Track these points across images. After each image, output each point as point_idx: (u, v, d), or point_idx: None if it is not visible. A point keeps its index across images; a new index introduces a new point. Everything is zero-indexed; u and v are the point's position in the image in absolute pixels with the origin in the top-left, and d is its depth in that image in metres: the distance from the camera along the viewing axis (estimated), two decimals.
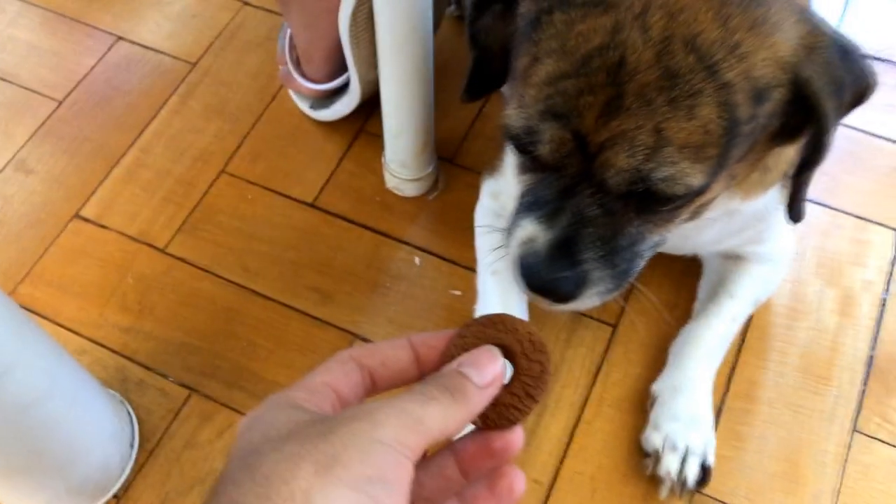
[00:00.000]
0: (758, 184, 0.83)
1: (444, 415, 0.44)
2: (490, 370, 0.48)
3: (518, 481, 0.49)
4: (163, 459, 1.04)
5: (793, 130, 0.68)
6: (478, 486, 0.50)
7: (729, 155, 0.63)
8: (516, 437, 0.50)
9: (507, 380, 0.51)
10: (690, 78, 0.58)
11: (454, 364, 0.48)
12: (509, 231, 0.69)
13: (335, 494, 0.38)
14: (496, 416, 0.52)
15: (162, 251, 1.19)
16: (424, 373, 0.50)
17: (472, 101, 0.85)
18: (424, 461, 0.49)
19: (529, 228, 0.66)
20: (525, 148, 0.65)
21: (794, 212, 0.77)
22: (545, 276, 0.65)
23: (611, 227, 0.65)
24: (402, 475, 0.41)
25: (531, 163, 0.67)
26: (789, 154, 0.82)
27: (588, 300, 0.67)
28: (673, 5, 0.59)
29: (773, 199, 0.89)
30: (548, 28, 0.62)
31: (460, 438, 0.51)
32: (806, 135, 0.69)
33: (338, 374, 0.48)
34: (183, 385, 1.08)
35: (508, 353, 0.56)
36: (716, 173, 0.63)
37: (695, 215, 0.73)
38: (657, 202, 0.65)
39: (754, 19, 0.60)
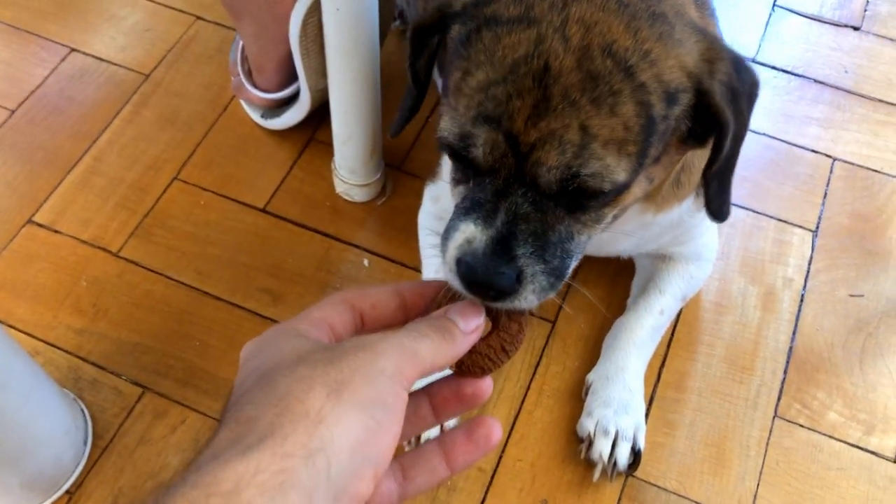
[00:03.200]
0: (672, 197, 0.91)
1: (434, 350, 0.51)
2: (474, 320, 0.55)
3: (495, 430, 0.55)
4: (116, 456, 1.06)
5: (700, 136, 0.75)
6: (457, 432, 0.56)
7: (647, 153, 0.69)
8: (486, 385, 0.57)
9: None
10: (610, 79, 0.64)
11: (442, 311, 0.55)
12: (446, 236, 0.72)
13: (345, 414, 0.44)
14: (471, 364, 0.60)
15: (115, 255, 1.22)
16: (409, 318, 0.57)
17: (398, 134, 0.90)
18: None
19: (468, 230, 0.69)
20: (460, 154, 0.69)
21: (713, 212, 0.82)
22: (484, 273, 0.67)
23: (542, 223, 0.69)
24: (399, 400, 0.47)
25: (466, 169, 0.72)
26: (700, 168, 0.89)
27: (526, 299, 0.70)
28: (588, 19, 0.66)
29: (687, 209, 0.96)
30: (477, 44, 0.68)
31: (436, 382, 0.58)
32: (710, 141, 0.76)
33: (332, 312, 0.54)
34: (136, 384, 1.11)
35: (491, 310, 0.65)
36: (636, 171, 0.69)
37: (615, 219, 0.78)
38: (585, 199, 0.70)
39: (660, 33, 0.67)
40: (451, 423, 0.99)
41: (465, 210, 0.70)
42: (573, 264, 0.75)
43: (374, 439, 0.45)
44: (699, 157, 0.88)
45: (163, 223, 1.25)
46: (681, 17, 0.71)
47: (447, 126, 0.69)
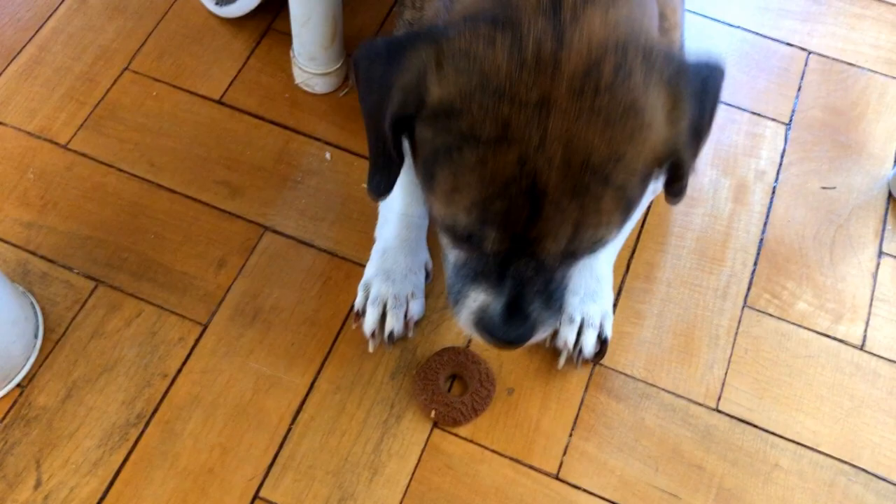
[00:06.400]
0: None
1: None
2: None
3: None
4: (69, 349, 1.02)
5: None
6: None
7: (630, 215, 0.74)
8: None
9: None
10: (591, 188, 0.69)
11: None
12: (457, 299, 0.80)
13: None
14: (446, 415, 0.97)
15: (64, 147, 1.16)
16: None
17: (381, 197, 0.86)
18: None
19: (481, 298, 0.77)
20: (464, 242, 0.75)
21: (671, 188, 0.83)
22: (504, 335, 0.78)
23: (545, 281, 0.76)
24: None
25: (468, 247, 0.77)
26: None
27: (536, 337, 0.80)
28: (565, 134, 0.67)
29: None
30: (461, 161, 0.69)
31: None
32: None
33: None
34: (89, 277, 1.07)
35: (469, 376, 0.99)
36: (623, 225, 0.75)
37: None
38: (585, 255, 0.77)
39: (632, 130, 0.68)
40: None
41: (472, 277, 0.78)
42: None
43: None
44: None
45: (113, 114, 1.19)
46: (648, 69, 0.69)
47: (449, 219, 0.73)
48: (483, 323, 0.78)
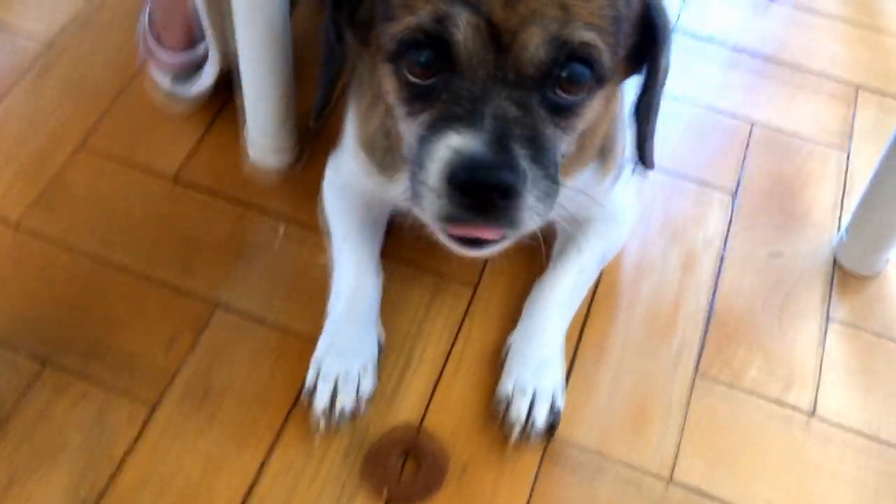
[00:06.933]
0: (576, 162, 0.90)
1: None
2: None
3: None
4: (12, 434, 1.00)
5: (639, 59, 0.77)
6: None
7: (617, 52, 0.68)
8: None
9: None
10: None
11: None
12: (419, 165, 0.67)
13: None
14: (399, 493, 0.96)
15: (14, 225, 1.16)
16: None
17: (322, 114, 0.87)
18: None
19: (453, 141, 0.64)
20: (433, 42, 0.65)
21: (645, 154, 0.82)
22: (487, 173, 0.63)
23: (532, 128, 0.66)
24: None
25: (431, 78, 0.67)
26: (604, 128, 0.92)
27: (529, 209, 0.67)
28: None
29: (592, 176, 0.97)
30: None
31: None
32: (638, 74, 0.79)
33: None
34: (35, 358, 1.05)
35: (422, 455, 0.98)
36: (612, 66, 0.69)
37: (581, 138, 0.77)
38: (571, 88, 0.68)
39: None
40: None
41: (440, 128, 0.65)
42: (559, 186, 0.72)
43: None
44: (604, 119, 0.90)
45: (67, 193, 1.19)
46: None
47: (409, 21, 0.65)
48: (458, 166, 0.63)
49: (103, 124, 1.27)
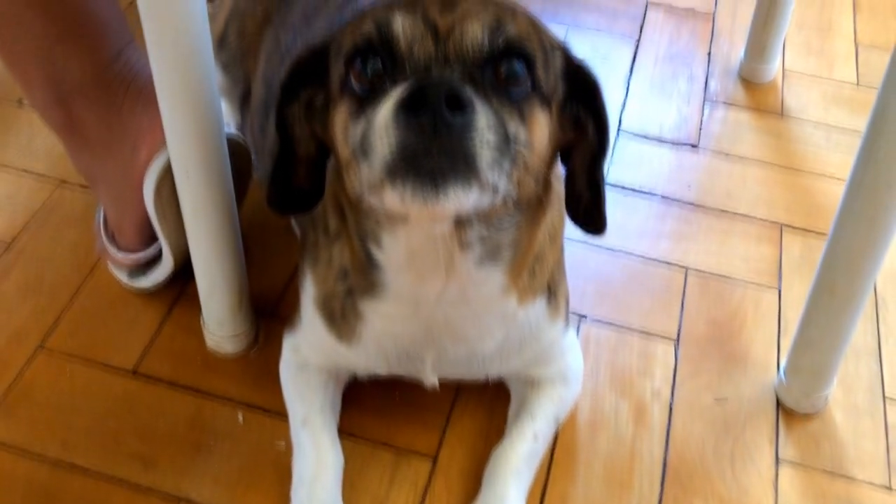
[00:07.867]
0: (528, 288, 0.96)
1: None
2: None
3: None
4: None
5: (575, 121, 0.82)
6: None
7: (548, 72, 0.75)
8: None
9: None
10: (503, 6, 0.75)
11: None
12: (366, 139, 0.68)
13: None
14: None
15: None
16: None
17: (279, 211, 0.91)
18: None
19: (398, 91, 0.68)
20: (375, 45, 0.71)
21: (601, 216, 0.86)
22: (438, 83, 0.65)
23: (481, 95, 0.69)
24: None
25: (374, 79, 0.71)
26: (550, 261, 0.98)
27: (482, 163, 0.66)
28: None
29: (543, 314, 1.01)
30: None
31: None
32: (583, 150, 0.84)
33: None
34: None
35: None
36: (547, 80, 0.75)
37: (524, 171, 0.74)
38: (509, 83, 0.72)
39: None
40: None
41: (383, 103, 0.68)
42: (509, 171, 0.71)
43: None
44: (549, 249, 0.96)
45: (26, 396, 1.21)
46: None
47: (352, 32, 0.74)
48: (405, 93, 0.65)
49: (62, 323, 1.30)
